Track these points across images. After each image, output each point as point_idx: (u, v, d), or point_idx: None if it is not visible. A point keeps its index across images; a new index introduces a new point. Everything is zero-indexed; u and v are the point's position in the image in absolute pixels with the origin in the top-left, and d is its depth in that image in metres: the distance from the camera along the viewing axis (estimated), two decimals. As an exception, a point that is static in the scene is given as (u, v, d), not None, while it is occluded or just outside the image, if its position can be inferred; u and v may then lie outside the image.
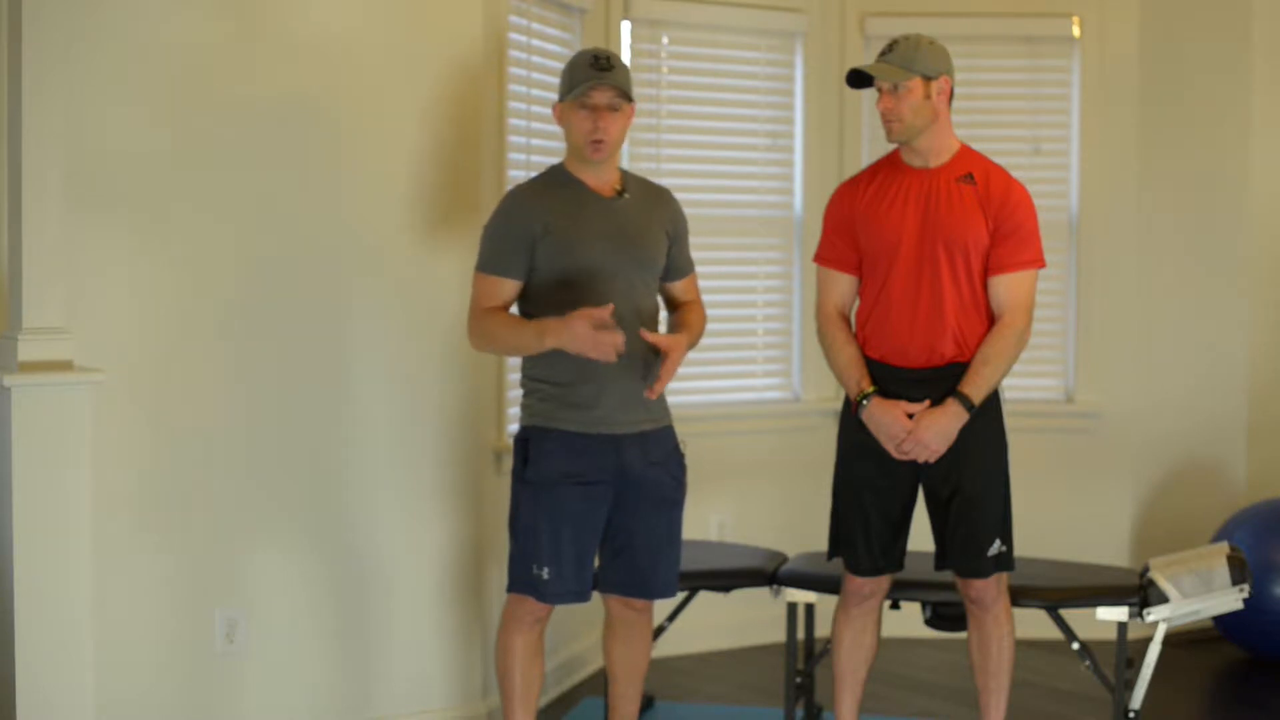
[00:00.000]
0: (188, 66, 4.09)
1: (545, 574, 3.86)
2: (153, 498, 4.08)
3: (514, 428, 4.87)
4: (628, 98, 3.89)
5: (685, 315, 4.09)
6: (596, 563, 4.00)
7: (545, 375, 3.88)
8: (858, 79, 4.06)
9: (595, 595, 4.01)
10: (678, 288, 4.10)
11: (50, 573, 3.65)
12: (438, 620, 4.59)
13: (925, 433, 3.97)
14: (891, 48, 4.02)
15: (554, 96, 5.07)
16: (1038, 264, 4.07)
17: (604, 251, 3.86)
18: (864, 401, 4.05)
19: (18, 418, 3.61)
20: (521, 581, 3.89)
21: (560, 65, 5.14)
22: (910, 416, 4.00)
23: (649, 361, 3.89)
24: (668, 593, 4.05)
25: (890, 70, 3.98)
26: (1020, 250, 4.04)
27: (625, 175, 4.01)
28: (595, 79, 3.83)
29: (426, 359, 4.51)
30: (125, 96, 3.99)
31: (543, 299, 3.86)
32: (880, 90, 4.02)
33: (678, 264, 4.07)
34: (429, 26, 4.48)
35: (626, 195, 3.96)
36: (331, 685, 4.40)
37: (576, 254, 3.84)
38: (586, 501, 3.87)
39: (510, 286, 3.86)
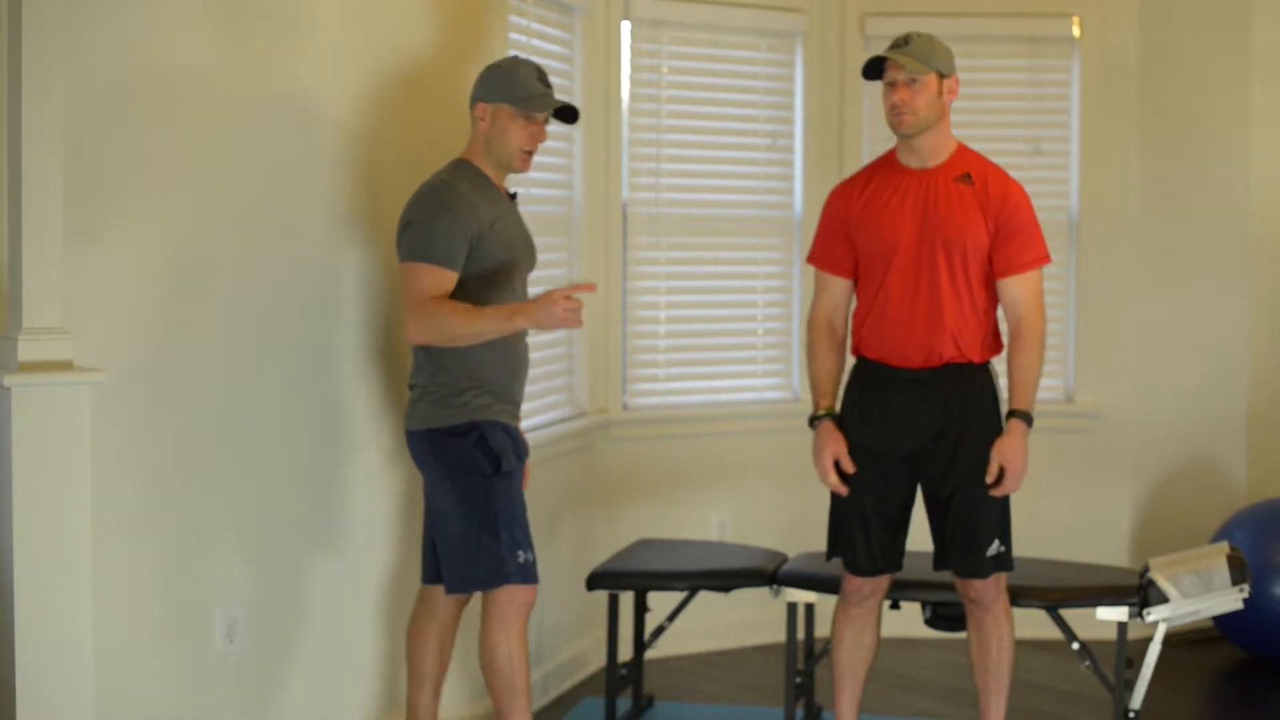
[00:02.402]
0: (184, 67, 4.08)
1: (531, 556, 3.96)
2: (153, 497, 4.07)
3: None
4: (568, 118, 4.05)
5: None
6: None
7: (478, 374, 3.94)
8: (876, 67, 4.03)
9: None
10: None
11: (50, 573, 3.65)
12: (438, 620, 4.58)
13: (1012, 464, 3.98)
14: (907, 41, 4.00)
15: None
16: (1044, 260, 4.09)
17: (521, 249, 4.04)
18: (817, 420, 4.13)
19: (18, 418, 3.61)
20: (511, 573, 3.92)
21: (561, 65, 5.16)
22: (837, 465, 4.08)
23: None
24: None
25: (913, 62, 3.97)
26: (1026, 249, 4.05)
27: None
28: (550, 96, 3.97)
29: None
30: (125, 97, 3.99)
31: (470, 293, 3.89)
32: (895, 83, 4.00)
33: None
34: (428, 27, 4.48)
35: (515, 199, 4.12)
36: (331, 685, 4.40)
37: (504, 252, 3.95)
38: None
39: (454, 280, 3.88)
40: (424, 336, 3.87)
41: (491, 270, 3.92)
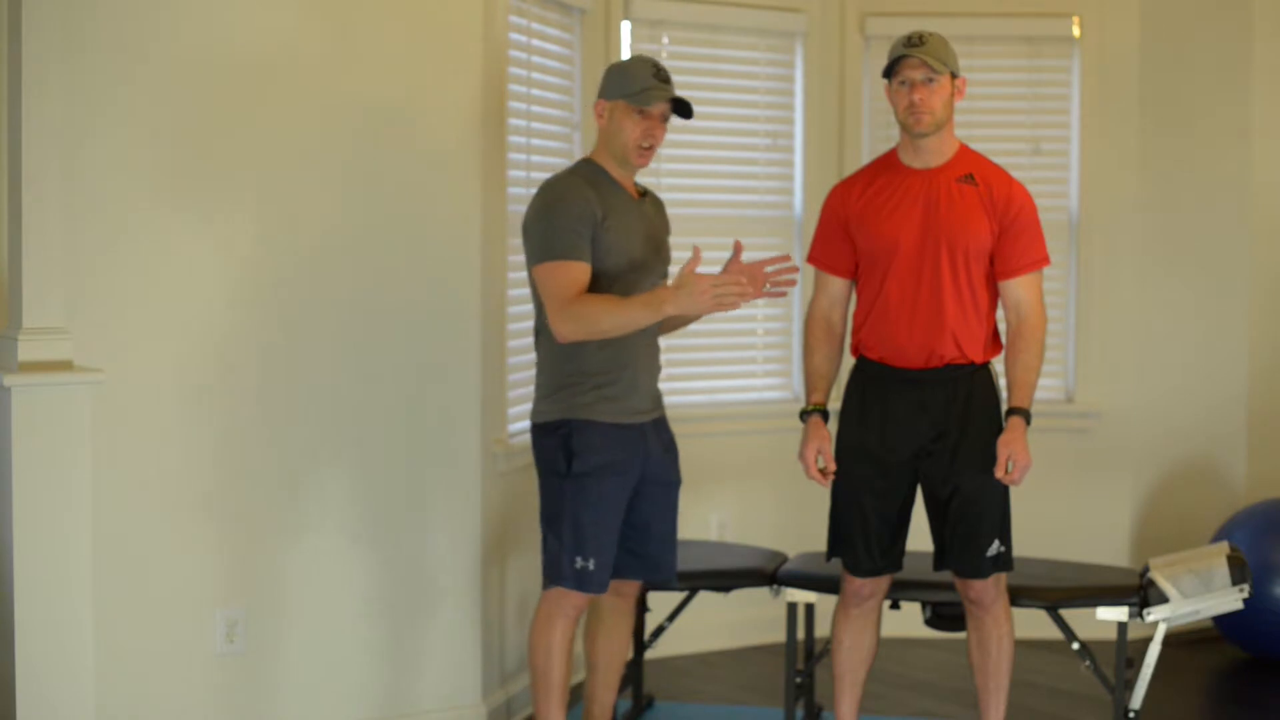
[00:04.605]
0: (186, 68, 4.09)
1: (591, 565, 3.93)
2: (152, 498, 4.08)
3: (521, 425, 4.87)
4: (682, 113, 4.01)
5: None
6: None
7: (584, 369, 3.94)
8: (896, 63, 4.01)
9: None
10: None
11: (50, 573, 3.65)
12: (438, 619, 4.58)
13: (1019, 458, 3.97)
14: (923, 40, 3.98)
15: (554, 96, 5.10)
16: (1046, 262, 4.09)
17: (642, 252, 3.99)
18: (806, 414, 4.13)
19: (18, 418, 3.61)
20: (565, 576, 3.94)
21: (560, 65, 5.16)
22: (819, 460, 4.08)
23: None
24: (671, 576, 4.18)
25: (935, 61, 3.95)
26: (1030, 250, 4.05)
27: (635, 181, 4.13)
28: (660, 89, 3.94)
29: (431, 358, 4.51)
30: (125, 97, 3.99)
31: (592, 289, 3.89)
32: (912, 82, 3.99)
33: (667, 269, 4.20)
34: (428, 27, 4.48)
35: (645, 198, 4.11)
36: (331, 685, 4.40)
37: (622, 251, 3.93)
38: (620, 491, 3.97)
39: (586, 270, 3.87)
40: (573, 333, 3.85)
41: (609, 266, 3.90)
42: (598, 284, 3.91)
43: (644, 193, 4.12)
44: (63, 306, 3.72)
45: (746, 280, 3.88)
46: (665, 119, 4.00)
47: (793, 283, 4.08)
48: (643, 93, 3.93)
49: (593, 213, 3.88)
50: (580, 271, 3.85)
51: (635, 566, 4.11)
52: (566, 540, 3.93)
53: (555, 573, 3.96)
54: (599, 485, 3.92)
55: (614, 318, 3.81)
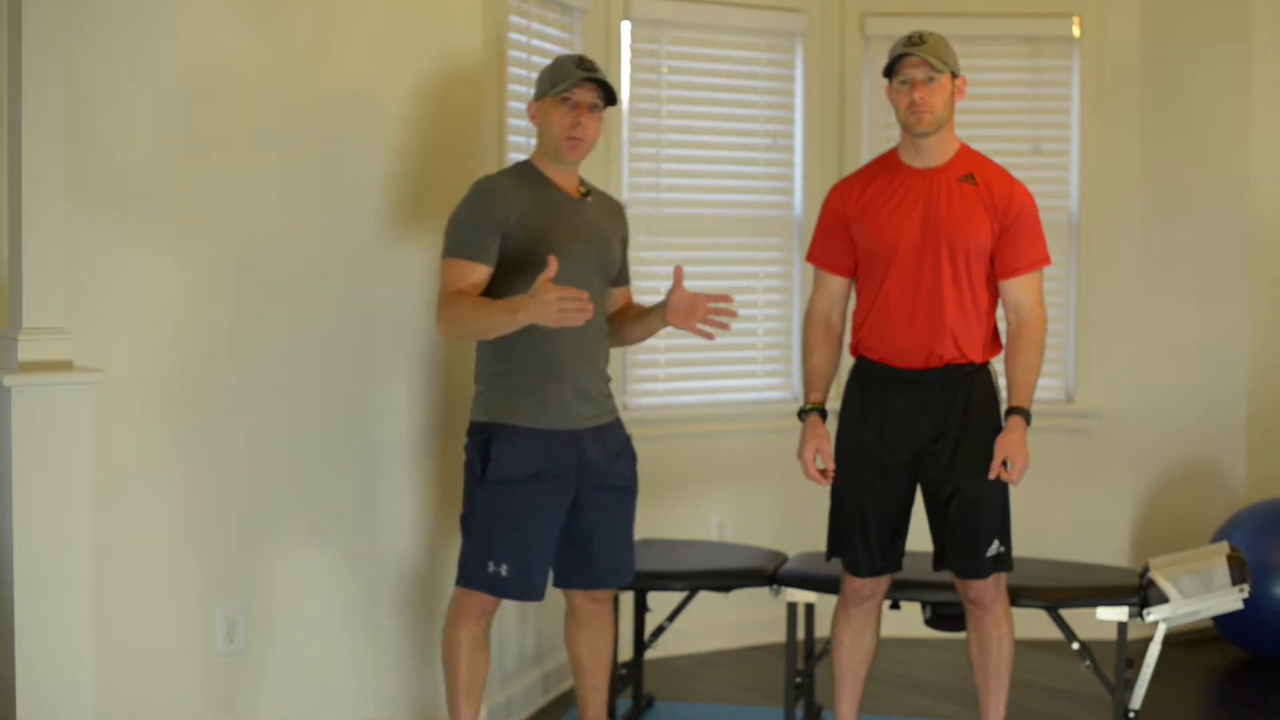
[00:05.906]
0: (188, 65, 4.09)
1: (504, 571, 3.91)
2: (152, 497, 4.07)
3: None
4: (610, 100, 3.98)
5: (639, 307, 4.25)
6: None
7: (507, 370, 3.93)
8: (896, 62, 4.01)
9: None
10: (620, 295, 4.21)
11: (50, 573, 3.65)
12: (436, 621, 4.58)
13: (1016, 458, 3.98)
14: (923, 39, 3.99)
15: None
16: (1046, 261, 4.09)
17: (571, 251, 3.91)
18: (805, 413, 4.13)
19: (18, 418, 3.61)
20: (476, 578, 3.95)
21: (560, 65, 5.16)
22: (818, 459, 4.08)
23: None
24: (625, 581, 4.14)
25: (935, 59, 3.96)
26: (1031, 250, 4.06)
27: (583, 180, 4.10)
28: (580, 77, 3.92)
29: (428, 357, 4.51)
30: (125, 95, 3.99)
31: (504, 292, 3.86)
32: (913, 81, 3.99)
33: (624, 272, 4.20)
34: (429, 27, 4.48)
35: (590, 199, 4.06)
36: (331, 685, 4.40)
37: (545, 249, 3.85)
38: (548, 498, 3.93)
39: (481, 272, 3.86)
40: (444, 329, 3.89)
41: (521, 265, 3.86)
42: (520, 277, 3.83)
43: (588, 192, 4.07)
44: (63, 306, 3.72)
45: (687, 308, 4.01)
46: (594, 109, 3.96)
47: (726, 327, 4.10)
48: (564, 82, 3.93)
49: (506, 210, 3.87)
50: (468, 270, 3.84)
51: (583, 576, 4.07)
52: (477, 543, 3.93)
53: (465, 574, 3.97)
54: (516, 493, 3.89)
55: (478, 320, 3.78)
